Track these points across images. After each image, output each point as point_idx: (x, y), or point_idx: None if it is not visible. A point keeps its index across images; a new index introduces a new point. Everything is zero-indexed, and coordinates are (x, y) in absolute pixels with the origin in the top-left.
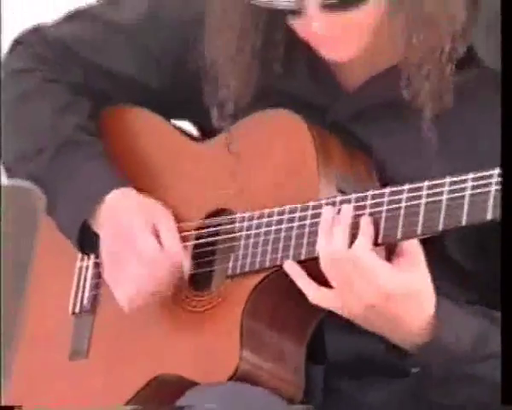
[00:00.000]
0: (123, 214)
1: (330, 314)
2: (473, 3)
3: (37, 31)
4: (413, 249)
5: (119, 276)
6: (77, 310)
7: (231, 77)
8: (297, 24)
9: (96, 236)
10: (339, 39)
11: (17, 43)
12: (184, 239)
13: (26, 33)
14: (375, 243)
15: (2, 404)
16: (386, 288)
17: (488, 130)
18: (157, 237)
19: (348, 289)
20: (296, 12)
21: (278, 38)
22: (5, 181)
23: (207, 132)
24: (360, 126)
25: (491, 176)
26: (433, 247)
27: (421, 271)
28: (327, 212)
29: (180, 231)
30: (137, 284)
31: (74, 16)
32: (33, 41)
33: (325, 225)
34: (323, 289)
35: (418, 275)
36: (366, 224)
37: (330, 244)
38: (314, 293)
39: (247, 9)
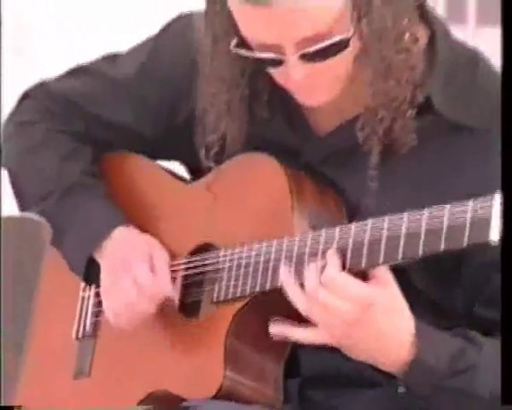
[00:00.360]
0: (125, 246)
1: None
2: (431, 56)
3: (41, 85)
4: (382, 273)
5: (112, 290)
6: (80, 335)
7: (221, 123)
8: (277, 72)
9: (99, 268)
10: (315, 86)
11: (24, 97)
12: (175, 271)
13: (32, 88)
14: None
15: (2, 404)
16: (364, 299)
17: (439, 174)
18: (152, 267)
19: (328, 314)
20: (277, 61)
21: (262, 85)
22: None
23: (197, 173)
24: (330, 168)
25: (443, 208)
26: (398, 278)
27: (393, 289)
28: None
29: (171, 264)
30: (125, 301)
31: (75, 72)
32: (38, 95)
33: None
34: (309, 329)
35: (391, 292)
36: (332, 255)
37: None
38: (303, 334)
39: (233, 60)
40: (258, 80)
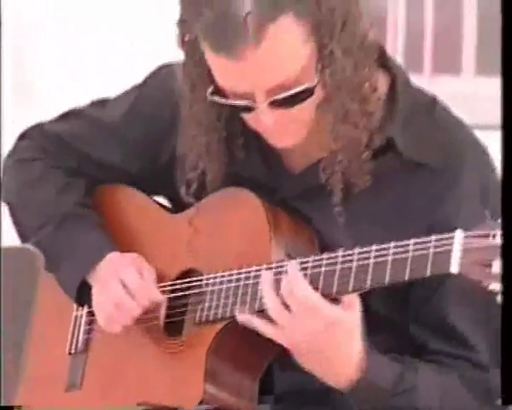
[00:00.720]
0: (115, 265)
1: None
2: (392, 101)
3: (37, 127)
4: (351, 297)
5: (101, 297)
6: (73, 351)
7: (200, 162)
8: (249, 117)
9: (90, 290)
10: (283, 130)
11: (21, 137)
12: (161, 293)
13: (29, 130)
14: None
15: (2, 404)
16: (330, 317)
17: (400, 210)
18: (140, 272)
19: (294, 322)
20: (249, 108)
21: (238, 128)
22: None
23: (180, 206)
24: (303, 203)
25: (408, 244)
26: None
27: (357, 314)
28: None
29: (157, 286)
30: (114, 301)
31: (67, 116)
32: (34, 136)
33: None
34: (274, 327)
35: (355, 316)
36: (293, 266)
37: (277, 294)
38: (269, 330)
39: (210, 105)
40: (234, 124)
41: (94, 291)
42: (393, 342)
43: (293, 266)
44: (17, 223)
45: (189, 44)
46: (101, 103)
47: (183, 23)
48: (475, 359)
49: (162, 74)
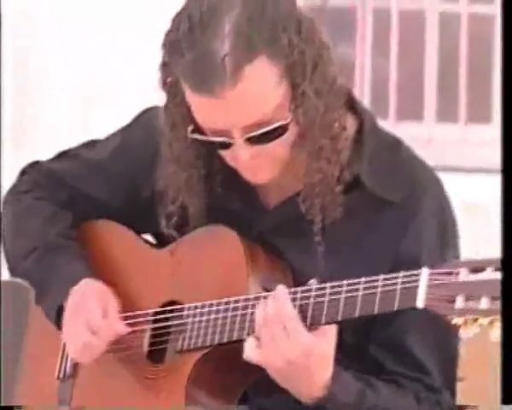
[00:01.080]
0: (84, 294)
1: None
2: (360, 141)
3: (35, 163)
4: (326, 327)
5: (70, 333)
6: (61, 376)
7: (179, 196)
8: (227, 154)
9: None
10: (259, 166)
11: (22, 173)
12: (145, 322)
13: (27, 166)
14: None
15: (2, 404)
16: (309, 347)
17: (368, 241)
18: (104, 310)
19: (275, 347)
20: (226, 144)
21: (217, 166)
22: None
23: (163, 242)
24: (277, 237)
25: (377, 280)
26: None
27: (332, 342)
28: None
29: (140, 316)
30: (82, 342)
31: (62, 155)
32: (31, 171)
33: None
34: (256, 346)
35: (330, 343)
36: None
37: (264, 310)
38: (249, 348)
39: (189, 144)
40: (212, 161)
41: (64, 320)
42: (358, 363)
43: (281, 290)
44: (6, 252)
45: (170, 87)
46: (91, 144)
47: (164, 66)
48: (429, 382)
49: (146, 116)
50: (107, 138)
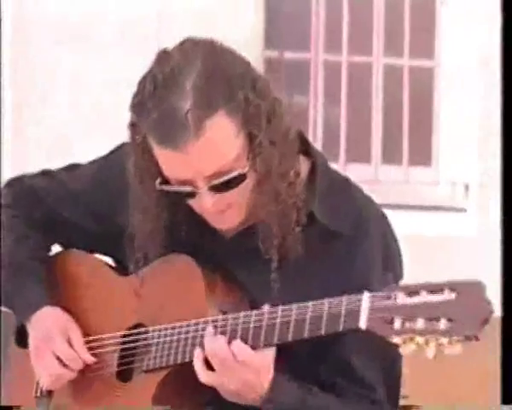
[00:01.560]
0: (47, 324)
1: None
2: (313, 180)
3: (19, 178)
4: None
5: (41, 366)
6: (38, 394)
7: (145, 245)
8: (193, 202)
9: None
10: (225, 214)
11: (7, 185)
12: (114, 345)
13: (13, 179)
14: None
15: (2, 404)
16: (258, 366)
17: (322, 270)
18: (68, 340)
19: (230, 373)
20: (191, 194)
21: (182, 213)
22: None
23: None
24: (235, 265)
25: (323, 303)
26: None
27: (270, 356)
28: (209, 329)
29: (108, 338)
30: (51, 372)
31: (44, 173)
32: (16, 185)
33: (210, 336)
34: (210, 372)
35: (270, 356)
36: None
37: (214, 344)
38: (204, 374)
39: (156, 196)
40: (178, 210)
41: (30, 346)
42: (312, 383)
43: (209, 331)
44: None
45: (138, 145)
46: (71, 168)
47: (133, 126)
48: (373, 397)
49: (123, 151)
50: (87, 165)
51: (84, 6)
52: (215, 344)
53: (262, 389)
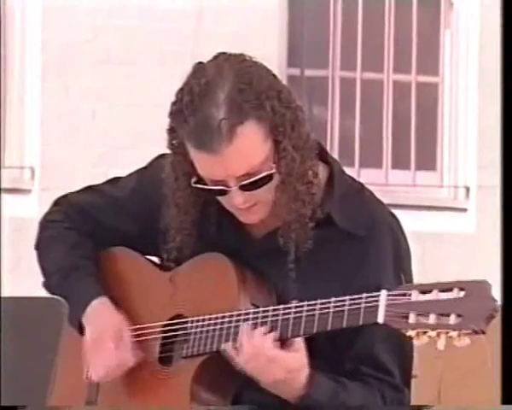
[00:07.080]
0: (101, 319)
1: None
2: (330, 185)
3: (65, 196)
4: (298, 343)
5: (95, 361)
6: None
7: (178, 237)
8: (223, 199)
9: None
10: (251, 210)
11: (54, 204)
12: (155, 333)
13: (59, 198)
14: (278, 339)
15: (2, 404)
16: (291, 367)
17: (337, 271)
18: (120, 337)
19: (262, 373)
20: (223, 192)
21: (212, 210)
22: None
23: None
24: (262, 263)
25: (345, 300)
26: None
27: (304, 354)
28: (245, 325)
29: (151, 328)
30: (106, 366)
31: (88, 189)
32: (62, 202)
33: (246, 331)
34: (242, 360)
35: (302, 355)
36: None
37: (251, 343)
38: (238, 361)
39: (189, 193)
40: (208, 208)
41: (85, 339)
42: (331, 367)
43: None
44: (41, 268)
45: (176, 147)
46: (114, 181)
47: (171, 131)
48: (393, 382)
49: (158, 163)
50: (127, 177)
51: (130, 35)
52: (250, 338)
53: (299, 384)
